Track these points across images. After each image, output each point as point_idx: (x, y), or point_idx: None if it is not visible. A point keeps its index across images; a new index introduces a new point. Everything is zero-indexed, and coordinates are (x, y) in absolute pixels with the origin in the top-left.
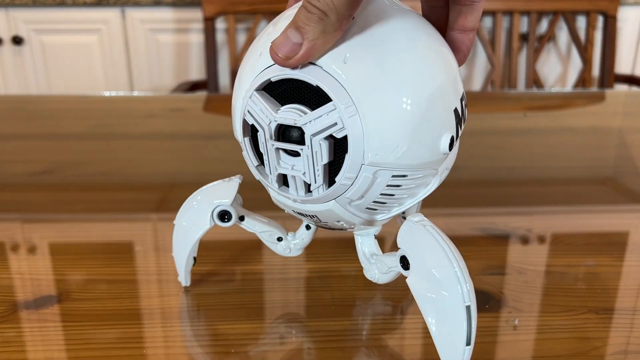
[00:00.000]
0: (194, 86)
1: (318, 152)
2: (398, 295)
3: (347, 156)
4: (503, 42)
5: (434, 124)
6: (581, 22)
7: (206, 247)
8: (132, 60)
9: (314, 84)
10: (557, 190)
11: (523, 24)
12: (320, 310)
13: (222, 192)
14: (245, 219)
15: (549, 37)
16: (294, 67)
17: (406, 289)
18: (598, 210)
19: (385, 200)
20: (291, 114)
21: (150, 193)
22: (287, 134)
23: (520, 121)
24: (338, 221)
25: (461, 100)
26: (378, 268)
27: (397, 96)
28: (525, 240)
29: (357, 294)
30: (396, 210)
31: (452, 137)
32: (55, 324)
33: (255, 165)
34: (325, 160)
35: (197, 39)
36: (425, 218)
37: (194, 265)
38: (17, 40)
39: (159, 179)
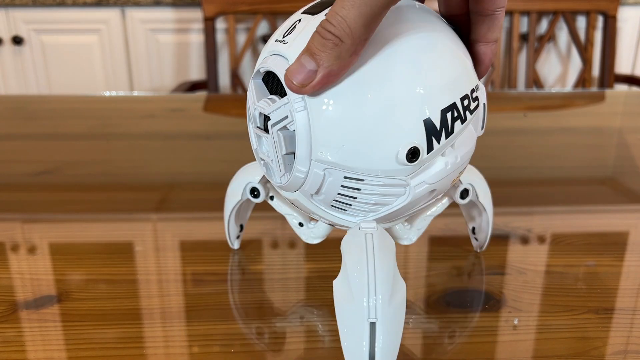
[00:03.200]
0: (194, 86)
1: (277, 142)
2: None
3: (296, 149)
4: (503, 42)
5: (389, 132)
6: (581, 22)
7: (206, 247)
8: (132, 60)
9: (279, 76)
10: (557, 190)
11: (523, 24)
12: (320, 310)
13: (257, 170)
14: (275, 199)
15: (549, 37)
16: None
17: (407, 289)
18: (598, 210)
19: (349, 202)
20: (265, 103)
21: (150, 193)
22: (266, 122)
23: (520, 121)
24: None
25: (445, 111)
26: None
27: (346, 97)
28: (525, 240)
29: None
30: (374, 216)
31: (416, 149)
32: (55, 324)
33: (254, 148)
34: (283, 150)
35: (197, 39)
36: (375, 226)
37: (241, 232)
38: (17, 40)
39: (159, 179)
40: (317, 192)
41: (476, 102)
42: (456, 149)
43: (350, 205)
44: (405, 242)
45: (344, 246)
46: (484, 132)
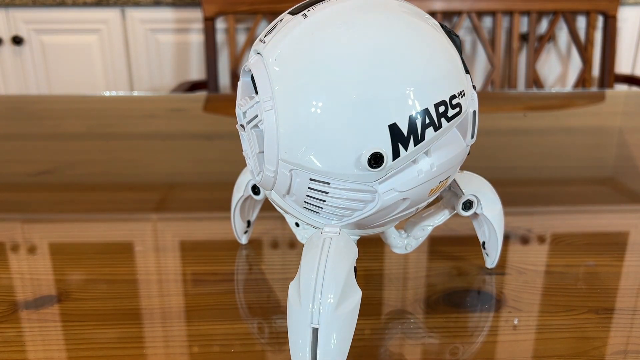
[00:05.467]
0: (194, 86)
1: (252, 140)
2: (398, 295)
3: (265, 149)
4: (503, 42)
5: (352, 136)
6: (581, 22)
7: (206, 247)
8: (132, 60)
9: (253, 75)
10: (557, 190)
11: (523, 24)
12: None
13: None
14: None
15: (549, 37)
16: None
17: (406, 289)
18: (598, 210)
19: (320, 205)
20: (244, 101)
21: (150, 193)
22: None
23: (520, 121)
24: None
25: (415, 117)
26: None
27: (309, 99)
28: (525, 240)
29: None
30: (347, 220)
31: (379, 155)
32: (55, 324)
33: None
34: (257, 149)
35: (197, 39)
36: (338, 232)
37: (248, 227)
38: (17, 40)
39: (159, 179)
40: (288, 193)
41: (457, 109)
42: (432, 157)
43: (322, 207)
44: (399, 251)
45: (304, 248)
46: (484, 133)
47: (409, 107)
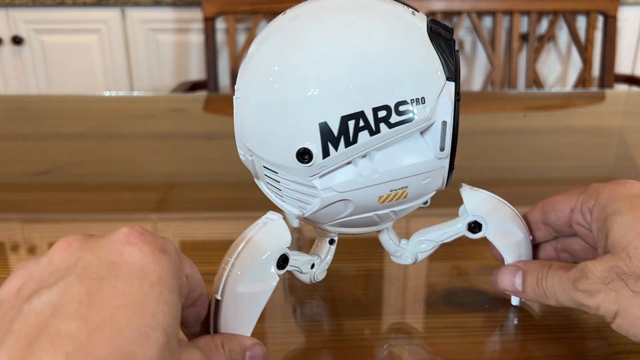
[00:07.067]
0: (194, 86)
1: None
2: (398, 295)
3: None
4: (503, 42)
5: (286, 130)
6: (581, 22)
7: (206, 247)
8: (132, 60)
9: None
10: (557, 190)
11: (523, 24)
12: (320, 310)
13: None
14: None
15: (549, 37)
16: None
17: (406, 289)
18: None
19: (278, 193)
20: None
21: (150, 193)
22: None
23: (520, 121)
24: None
25: (347, 118)
26: None
27: (258, 93)
28: None
29: (357, 293)
30: (307, 213)
31: (307, 151)
32: None
33: None
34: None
35: (197, 39)
36: (276, 219)
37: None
38: (17, 40)
39: (159, 179)
40: (257, 177)
41: (404, 116)
42: (374, 162)
43: (281, 196)
44: (398, 261)
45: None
46: (484, 133)
47: (341, 108)
